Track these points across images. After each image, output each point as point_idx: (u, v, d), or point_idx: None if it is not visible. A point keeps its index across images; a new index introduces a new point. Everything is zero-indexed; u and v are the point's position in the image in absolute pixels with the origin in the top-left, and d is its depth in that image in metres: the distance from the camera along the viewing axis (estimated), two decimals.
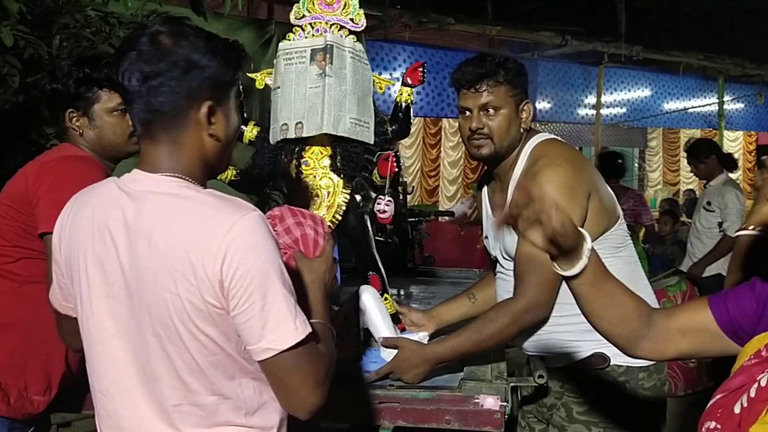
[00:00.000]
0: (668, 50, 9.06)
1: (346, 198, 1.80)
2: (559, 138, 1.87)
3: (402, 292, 2.37)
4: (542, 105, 8.94)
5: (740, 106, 11.27)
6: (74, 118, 1.80)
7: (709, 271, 4.03)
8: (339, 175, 1.79)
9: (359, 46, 1.79)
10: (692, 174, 4.60)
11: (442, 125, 9.27)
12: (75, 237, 1.12)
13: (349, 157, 1.78)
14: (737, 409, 0.91)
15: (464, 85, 1.79)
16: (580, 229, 1.12)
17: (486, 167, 1.95)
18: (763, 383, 0.90)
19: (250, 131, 1.87)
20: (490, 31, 7.44)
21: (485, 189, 1.97)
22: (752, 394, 0.90)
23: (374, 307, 1.76)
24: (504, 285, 1.85)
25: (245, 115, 1.81)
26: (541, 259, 1.60)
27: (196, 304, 1.00)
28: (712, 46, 9.69)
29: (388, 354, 1.69)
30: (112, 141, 1.78)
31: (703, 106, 10.04)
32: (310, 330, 1.02)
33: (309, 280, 1.21)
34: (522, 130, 1.79)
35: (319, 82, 1.70)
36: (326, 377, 1.07)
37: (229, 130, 1.12)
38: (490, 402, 1.45)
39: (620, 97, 9.94)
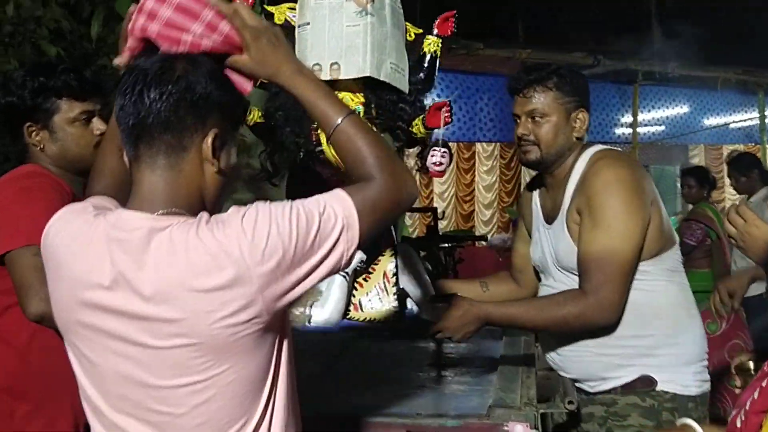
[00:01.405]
0: (705, 66, 8.90)
1: None
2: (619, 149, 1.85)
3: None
4: None
5: None
6: (33, 133, 1.67)
7: (754, 290, 3.88)
8: (373, 126, 1.61)
9: None
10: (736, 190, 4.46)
11: (475, 149, 9.24)
12: (58, 300, 1.01)
13: (385, 106, 1.64)
14: (738, 423, 0.93)
15: (514, 91, 1.80)
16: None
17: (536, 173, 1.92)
18: (756, 395, 0.92)
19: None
20: (520, 54, 7.44)
21: (535, 195, 1.93)
22: (747, 407, 0.92)
23: (412, 266, 1.72)
24: None
25: None
26: (621, 259, 1.64)
27: None
28: (751, 59, 9.49)
29: (428, 313, 1.68)
30: (77, 153, 1.66)
31: (745, 120, 9.81)
32: None
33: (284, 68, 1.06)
34: (574, 139, 1.77)
35: (358, 21, 1.55)
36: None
37: (230, 166, 1.03)
38: (520, 429, 1.41)
39: (658, 115, 9.78)
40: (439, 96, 7.71)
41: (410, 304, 1.72)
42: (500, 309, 1.71)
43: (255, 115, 1.66)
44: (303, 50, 1.59)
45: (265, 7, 1.73)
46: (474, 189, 10.02)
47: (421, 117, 1.64)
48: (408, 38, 1.71)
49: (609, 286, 1.64)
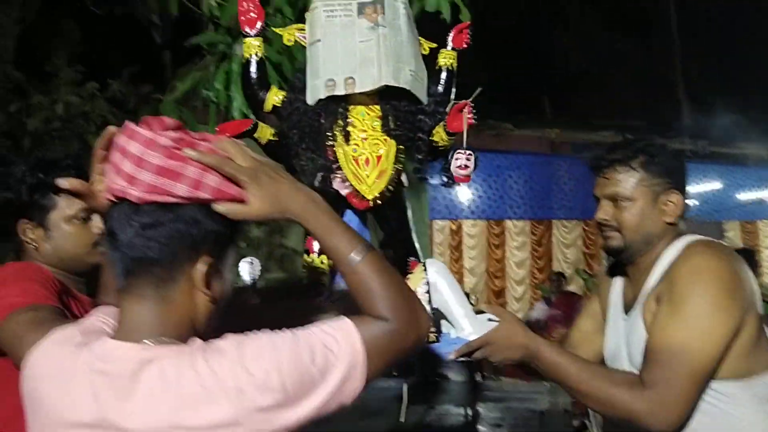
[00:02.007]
0: (736, 142, 8.89)
1: (400, 165, 1.55)
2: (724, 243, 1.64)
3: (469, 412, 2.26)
4: None
5: None
6: (28, 230, 1.59)
7: None
8: (392, 138, 1.54)
9: (406, 1, 1.59)
10: None
11: (505, 225, 9.26)
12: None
13: (404, 117, 1.55)
14: None
15: (595, 172, 1.64)
16: None
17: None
18: None
19: (275, 95, 1.60)
20: (549, 133, 7.55)
21: (618, 281, 1.72)
22: None
23: (445, 283, 1.52)
24: None
25: (265, 79, 1.63)
26: (694, 360, 1.40)
27: None
28: None
29: (469, 333, 1.49)
30: (72, 253, 1.57)
31: None
32: None
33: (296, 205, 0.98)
34: (664, 224, 1.57)
35: (371, 35, 1.50)
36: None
37: (223, 291, 0.97)
38: None
39: (690, 190, 9.71)
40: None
41: (446, 327, 1.54)
42: (553, 352, 1.52)
43: (267, 134, 1.59)
44: (316, 66, 1.54)
45: (274, 29, 1.72)
46: (505, 265, 9.97)
47: (441, 124, 1.54)
48: (423, 52, 1.65)
49: (672, 386, 1.43)
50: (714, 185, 9.90)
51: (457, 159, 1.50)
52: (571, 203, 8.34)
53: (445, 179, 1.56)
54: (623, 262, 1.66)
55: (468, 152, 1.50)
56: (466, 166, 1.51)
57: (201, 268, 0.93)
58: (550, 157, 8.21)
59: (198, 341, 0.91)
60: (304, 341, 0.91)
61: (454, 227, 8.31)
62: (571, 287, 7.95)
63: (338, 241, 1.00)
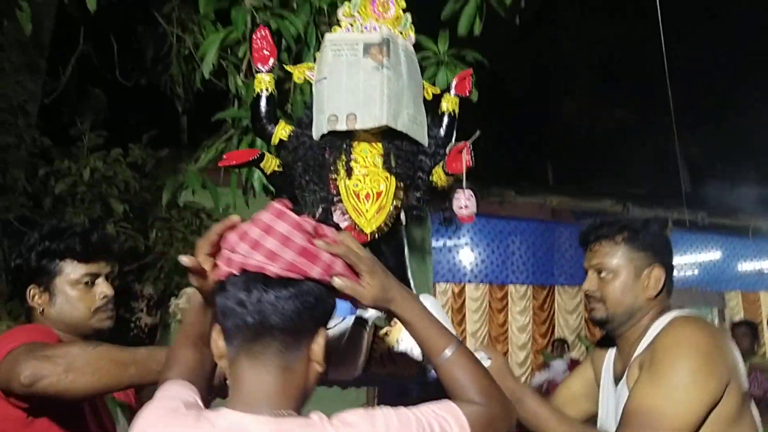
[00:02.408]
0: (735, 214, 9.03)
1: (398, 203, 1.62)
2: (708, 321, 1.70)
3: None
4: None
5: None
6: (35, 295, 1.66)
7: None
8: (392, 175, 1.61)
9: (411, 47, 1.69)
10: None
11: (508, 290, 9.31)
12: None
13: (405, 156, 1.62)
14: None
15: (583, 245, 1.73)
16: None
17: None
18: None
19: (282, 129, 1.67)
20: (551, 201, 7.71)
21: (610, 352, 1.77)
22: None
23: (438, 318, 1.55)
24: None
25: (274, 113, 1.69)
26: (669, 428, 1.42)
27: None
28: None
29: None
30: (76, 316, 1.64)
31: None
32: None
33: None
34: (647, 298, 1.63)
35: (375, 75, 1.56)
36: None
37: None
38: None
39: (691, 260, 9.82)
40: (472, 239, 7.93)
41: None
42: (536, 401, 1.59)
43: (273, 164, 1.64)
44: (320, 102, 1.60)
45: (285, 67, 1.78)
46: (507, 329, 9.96)
47: (441, 164, 1.59)
48: (426, 97, 1.71)
49: None
50: (715, 255, 10.00)
51: (457, 199, 1.57)
52: (573, 270, 8.44)
53: (444, 218, 1.65)
54: (611, 335, 1.72)
55: (468, 192, 1.56)
56: (467, 206, 1.56)
57: (320, 341, 1.00)
58: (551, 223, 8.36)
59: (320, 415, 0.96)
60: (425, 420, 0.97)
61: (457, 290, 8.38)
62: (573, 354, 7.96)
63: (433, 335, 1.10)
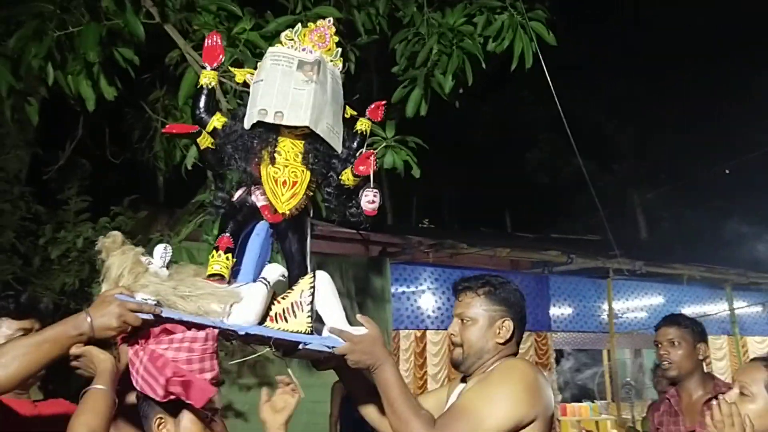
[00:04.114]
0: (670, 263, 9.71)
1: (310, 194, 1.84)
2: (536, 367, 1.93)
3: None
4: (557, 316, 9.51)
5: (756, 310, 11.59)
6: None
7: None
8: (308, 170, 1.83)
9: (338, 72, 1.91)
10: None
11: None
12: None
13: (320, 156, 1.83)
14: None
15: (453, 294, 2.01)
16: None
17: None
18: None
19: (217, 120, 1.85)
20: (500, 253, 8.31)
21: (458, 386, 1.99)
22: None
23: (328, 291, 1.79)
24: None
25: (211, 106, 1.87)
26: (474, 427, 1.67)
27: None
28: (714, 257, 10.30)
29: (332, 339, 1.74)
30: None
31: (716, 313, 10.48)
32: None
33: None
34: (496, 344, 1.88)
35: (304, 87, 1.78)
36: None
37: None
38: None
39: (633, 305, 10.44)
40: (429, 288, 8.48)
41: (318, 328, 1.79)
42: (394, 372, 1.75)
43: (207, 141, 1.84)
44: (254, 98, 1.81)
45: (230, 68, 1.99)
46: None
47: (350, 168, 1.84)
48: (345, 116, 1.93)
49: None
50: (656, 299, 10.65)
51: (366, 195, 1.82)
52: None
53: (351, 214, 1.87)
54: (464, 374, 1.97)
55: (375, 190, 1.82)
56: (373, 201, 1.82)
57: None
58: (503, 272, 8.94)
59: None
60: None
61: (419, 335, 8.81)
62: None
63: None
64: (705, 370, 2.94)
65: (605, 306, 9.64)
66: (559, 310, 9.57)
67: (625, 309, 10.24)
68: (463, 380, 2.02)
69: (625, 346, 11.62)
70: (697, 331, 2.92)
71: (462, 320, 1.93)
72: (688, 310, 11.00)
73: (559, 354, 11.07)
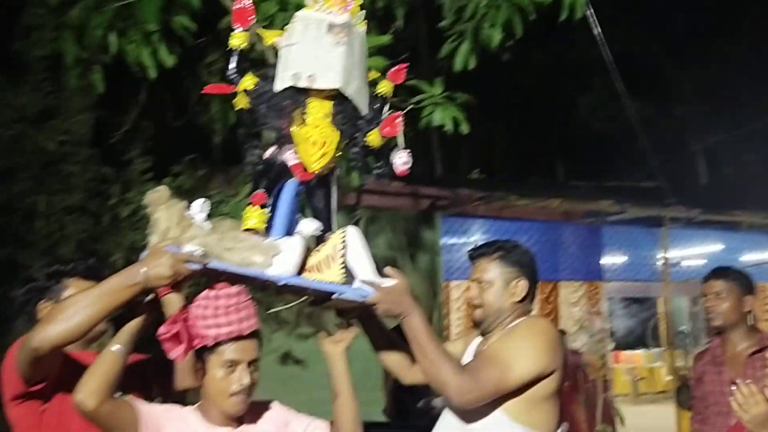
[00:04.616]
0: (730, 210, 9.46)
1: (339, 154, 1.91)
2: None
3: None
4: (609, 265, 9.45)
5: None
6: (45, 308, 1.94)
7: None
8: (337, 131, 1.88)
9: (363, 34, 1.95)
10: None
11: None
12: None
13: (348, 117, 1.89)
14: None
15: (469, 260, 2.13)
16: None
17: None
18: None
19: (249, 79, 1.90)
20: (551, 203, 8.27)
21: (476, 339, 2.14)
22: None
23: (359, 245, 1.85)
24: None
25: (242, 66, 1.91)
26: (503, 375, 1.81)
27: None
28: None
29: (363, 290, 1.81)
30: None
31: None
32: None
33: None
34: (513, 303, 2.02)
35: (334, 49, 1.82)
36: None
37: None
38: None
39: (690, 252, 10.25)
40: (479, 240, 8.56)
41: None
42: (422, 320, 1.85)
43: (243, 102, 1.89)
44: (286, 62, 1.87)
45: (258, 31, 1.99)
46: None
47: (376, 129, 1.90)
48: (370, 76, 1.98)
49: (482, 381, 1.82)
50: (714, 247, 10.42)
51: (399, 156, 1.90)
52: (575, 266, 8.99)
53: (378, 172, 1.95)
54: (483, 333, 2.10)
55: (407, 151, 1.89)
56: (406, 162, 1.90)
57: None
58: (554, 223, 8.90)
59: None
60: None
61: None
62: (576, 344, 8.52)
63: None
64: (750, 323, 2.93)
65: (660, 255, 9.53)
66: (611, 260, 9.50)
67: (682, 257, 10.09)
68: (481, 335, 2.13)
69: (681, 294, 11.48)
70: (744, 283, 2.92)
71: (479, 284, 2.04)
72: (748, 258, 10.75)
73: (613, 303, 11.05)
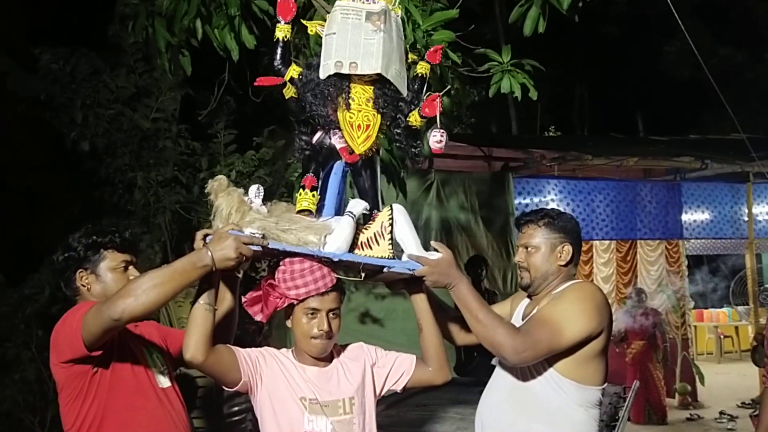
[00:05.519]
0: None
1: (382, 135, 2.01)
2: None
3: None
4: (690, 222, 9.23)
5: None
6: (83, 277, 2.08)
7: None
8: (379, 114, 1.97)
9: (399, 19, 2.04)
10: None
11: (592, 244, 9.86)
12: None
13: (390, 100, 1.97)
14: None
15: (516, 227, 2.26)
16: None
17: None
18: None
19: (293, 69, 2.00)
20: (627, 162, 8.13)
21: (524, 300, 2.26)
22: None
23: (404, 221, 1.97)
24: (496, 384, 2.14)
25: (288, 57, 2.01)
26: (555, 335, 1.90)
27: None
28: None
29: (411, 263, 1.94)
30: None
31: None
32: None
33: None
34: (559, 267, 2.13)
35: (373, 36, 1.91)
36: None
37: None
38: None
39: None
40: (553, 200, 8.55)
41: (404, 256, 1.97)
42: (470, 288, 1.96)
43: (291, 92, 2.00)
44: (329, 51, 1.95)
45: (302, 21, 2.10)
46: (592, 280, 10.47)
47: (416, 110, 2.00)
48: (409, 59, 2.08)
49: (536, 341, 1.92)
50: None
51: (434, 135, 1.97)
52: (654, 224, 8.84)
53: (415, 153, 2.04)
54: (531, 295, 2.21)
55: (441, 131, 1.97)
56: (441, 141, 1.96)
57: None
58: (630, 182, 8.74)
59: None
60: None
61: None
62: (654, 303, 8.46)
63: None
64: None
65: (744, 211, 9.23)
66: (692, 217, 9.27)
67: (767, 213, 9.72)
68: (528, 297, 2.26)
69: (766, 251, 11.08)
70: None
71: (527, 248, 2.15)
72: None
73: (695, 260, 10.81)
